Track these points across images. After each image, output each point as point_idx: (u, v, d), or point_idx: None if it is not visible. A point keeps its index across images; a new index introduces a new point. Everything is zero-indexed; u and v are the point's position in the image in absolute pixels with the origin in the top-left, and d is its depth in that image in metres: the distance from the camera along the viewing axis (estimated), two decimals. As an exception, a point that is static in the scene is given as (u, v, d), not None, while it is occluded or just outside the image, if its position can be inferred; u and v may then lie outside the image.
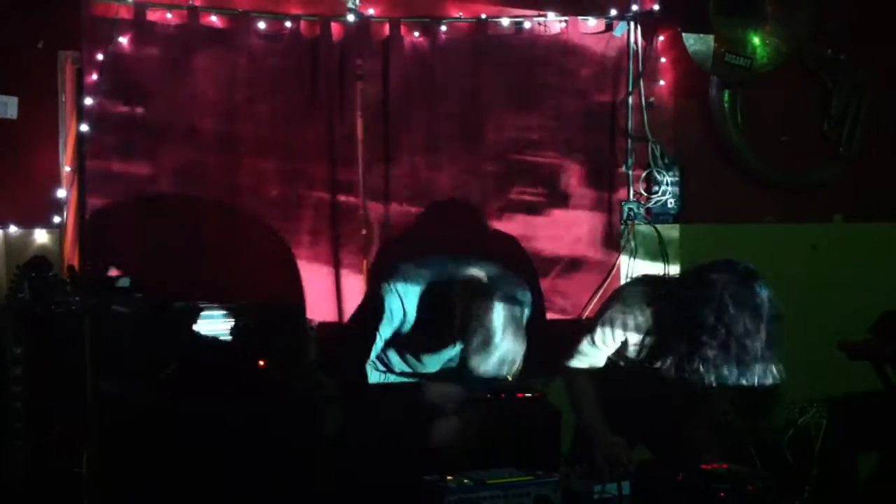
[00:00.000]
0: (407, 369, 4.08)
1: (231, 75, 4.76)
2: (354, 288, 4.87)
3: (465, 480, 3.21)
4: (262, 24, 4.78)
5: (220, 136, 4.76)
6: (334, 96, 4.87)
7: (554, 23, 5.13)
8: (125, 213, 4.64)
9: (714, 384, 3.47)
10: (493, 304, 3.74)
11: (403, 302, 3.90)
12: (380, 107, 4.94)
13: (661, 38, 5.28)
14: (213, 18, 4.75)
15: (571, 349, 3.87)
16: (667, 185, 5.28)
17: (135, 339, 3.79)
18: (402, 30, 4.95)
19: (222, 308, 3.88)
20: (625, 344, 3.77)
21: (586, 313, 5.10)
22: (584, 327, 3.94)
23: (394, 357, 4.05)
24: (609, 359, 3.87)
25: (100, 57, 4.55)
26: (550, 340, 4.12)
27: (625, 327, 3.72)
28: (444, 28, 4.99)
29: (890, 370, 5.20)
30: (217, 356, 3.84)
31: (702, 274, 3.57)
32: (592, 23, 5.18)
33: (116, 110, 4.63)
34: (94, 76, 4.55)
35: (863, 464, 5.00)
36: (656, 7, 5.23)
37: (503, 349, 3.75)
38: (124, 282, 4.17)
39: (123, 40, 4.60)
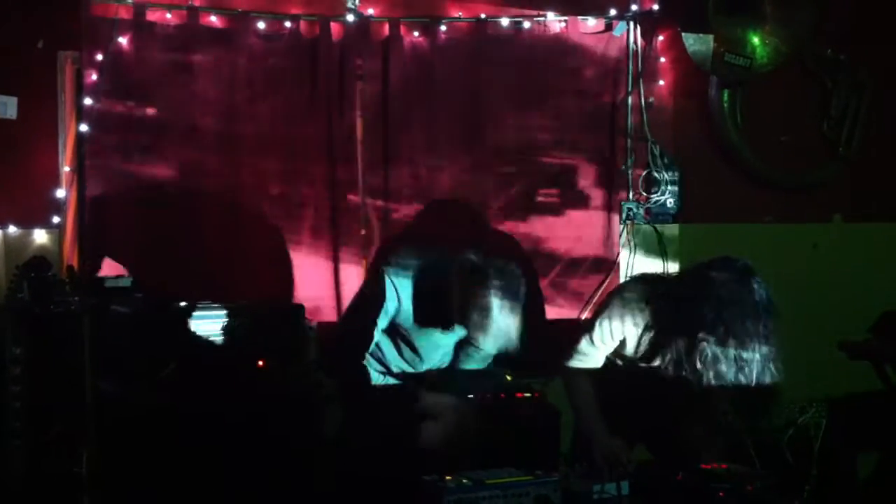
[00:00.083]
0: (402, 363, 4.09)
1: (231, 75, 4.76)
2: (354, 287, 4.85)
3: (465, 480, 3.21)
4: (261, 24, 4.78)
5: (220, 136, 4.76)
6: (334, 96, 4.87)
7: (553, 23, 5.13)
8: (125, 213, 4.64)
9: (713, 382, 3.46)
10: (488, 280, 3.77)
11: (397, 289, 3.93)
12: (380, 106, 4.94)
13: (661, 37, 5.28)
14: (213, 18, 4.75)
15: (570, 349, 3.86)
16: (666, 184, 5.28)
17: (134, 339, 3.78)
18: (402, 30, 4.95)
19: (222, 308, 3.87)
20: (623, 343, 3.77)
21: (586, 313, 5.10)
22: (582, 327, 3.94)
23: (388, 349, 4.06)
24: (608, 359, 3.86)
25: (99, 57, 4.55)
26: (550, 340, 4.12)
27: (623, 326, 3.72)
28: (443, 28, 4.99)
29: (890, 370, 5.20)
30: (216, 356, 3.83)
31: (700, 272, 3.57)
32: (592, 23, 5.19)
33: (116, 110, 4.63)
34: (94, 76, 4.55)
35: (862, 464, 5.01)
36: (656, 7, 5.23)
37: (502, 324, 3.79)
38: (125, 282, 4.17)
39: (123, 40, 4.60)
